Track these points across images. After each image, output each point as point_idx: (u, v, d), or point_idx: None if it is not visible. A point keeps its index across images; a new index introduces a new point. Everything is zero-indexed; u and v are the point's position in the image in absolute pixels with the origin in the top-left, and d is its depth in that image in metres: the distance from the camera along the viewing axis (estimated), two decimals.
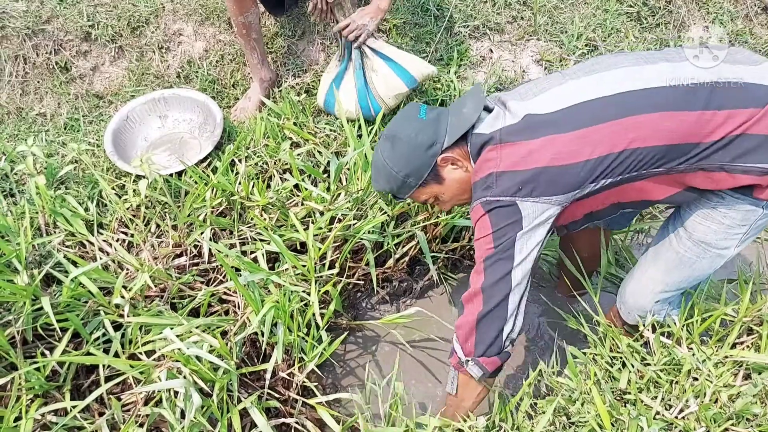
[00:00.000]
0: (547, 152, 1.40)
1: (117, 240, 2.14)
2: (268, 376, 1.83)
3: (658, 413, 1.48)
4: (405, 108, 1.65)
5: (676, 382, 1.53)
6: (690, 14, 3.13)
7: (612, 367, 1.62)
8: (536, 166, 1.40)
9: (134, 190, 2.20)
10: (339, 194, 2.20)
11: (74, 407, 1.74)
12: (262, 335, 1.86)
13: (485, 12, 2.94)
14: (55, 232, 2.11)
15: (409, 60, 2.36)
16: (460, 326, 1.54)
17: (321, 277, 2.06)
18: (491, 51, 2.88)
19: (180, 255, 2.15)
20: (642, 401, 1.50)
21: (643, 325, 1.70)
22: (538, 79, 1.60)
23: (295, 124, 2.48)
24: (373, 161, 1.69)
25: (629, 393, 1.54)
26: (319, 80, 2.65)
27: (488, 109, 1.57)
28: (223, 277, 2.13)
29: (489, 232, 1.46)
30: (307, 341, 1.88)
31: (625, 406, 1.54)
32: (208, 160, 2.35)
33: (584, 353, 1.71)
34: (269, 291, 1.97)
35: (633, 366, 1.57)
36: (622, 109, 1.38)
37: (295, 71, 2.69)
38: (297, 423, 1.87)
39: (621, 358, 1.66)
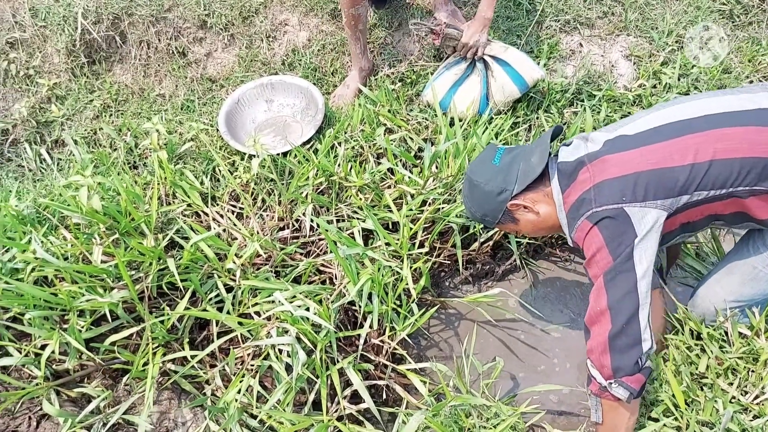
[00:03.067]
0: (640, 159, 1.46)
1: (227, 211, 2.36)
2: (361, 341, 2.01)
3: (734, 398, 1.57)
4: (484, 150, 1.79)
5: (753, 371, 1.61)
6: None
7: (691, 352, 1.71)
8: (634, 171, 1.45)
9: (245, 167, 2.41)
10: (429, 179, 2.35)
11: (194, 357, 1.97)
12: (357, 305, 2.04)
13: (576, 7, 3.00)
14: (173, 202, 2.35)
15: (522, 63, 2.51)
16: (591, 350, 1.51)
17: (411, 255, 2.22)
18: (581, 45, 2.95)
19: (282, 228, 2.35)
20: (719, 386, 1.59)
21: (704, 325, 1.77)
22: (618, 120, 1.69)
23: (389, 111, 2.64)
24: (461, 193, 1.84)
25: (707, 377, 1.63)
26: (413, 71, 2.79)
27: (567, 144, 1.69)
28: (320, 250, 2.31)
29: (602, 245, 1.46)
30: (399, 312, 2.04)
31: (702, 389, 1.63)
32: (311, 143, 2.54)
33: (665, 338, 1.80)
34: (364, 265, 2.14)
35: (712, 352, 1.65)
36: (708, 124, 1.46)
37: (391, 61, 2.84)
38: (387, 386, 2.04)
39: (700, 345, 1.74)
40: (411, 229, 2.17)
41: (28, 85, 2.68)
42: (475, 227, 2.34)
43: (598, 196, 1.47)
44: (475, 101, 2.54)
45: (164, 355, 2.00)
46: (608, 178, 1.47)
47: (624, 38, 2.99)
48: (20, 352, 1.92)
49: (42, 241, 2.04)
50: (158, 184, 2.29)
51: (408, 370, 1.96)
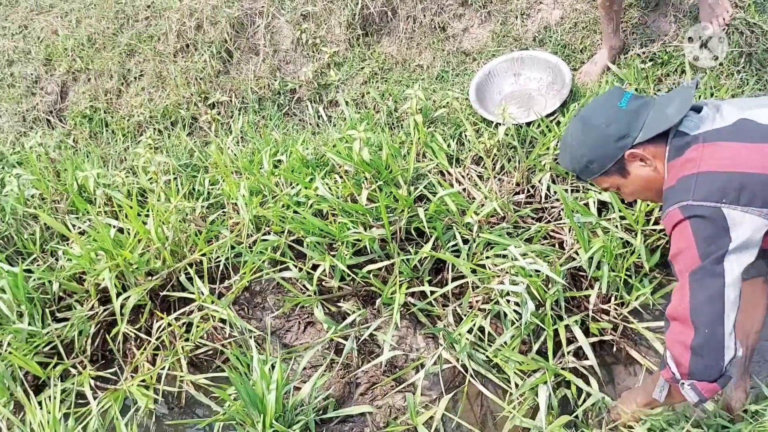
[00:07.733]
0: (756, 158, 1.35)
1: (469, 173, 2.60)
2: (592, 300, 2.12)
3: None
4: (609, 91, 1.62)
5: None
6: None
7: None
8: (744, 170, 1.34)
9: (490, 133, 2.63)
10: None
11: (432, 293, 2.25)
12: (584, 271, 2.15)
13: None
14: (423, 160, 2.65)
15: None
16: (671, 345, 1.42)
17: (645, 230, 2.26)
18: None
19: (518, 193, 2.53)
20: None
21: None
22: (760, 96, 1.55)
23: (636, 90, 2.66)
24: (563, 137, 1.70)
25: None
26: (666, 51, 2.76)
27: (697, 110, 1.53)
28: (551, 217, 2.45)
29: (691, 243, 1.36)
30: (628, 283, 2.12)
31: None
32: (554, 116, 2.67)
33: None
34: (595, 234, 2.23)
35: None
36: None
37: (643, 41, 2.83)
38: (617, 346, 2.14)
39: None
40: (648, 204, 2.22)
41: (314, 52, 3.16)
42: None
43: (698, 188, 1.37)
44: None
45: (407, 288, 2.31)
46: (714, 171, 1.37)
47: None
48: (296, 268, 2.36)
49: (321, 182, 2.46)
50: (413, 143, 2.60)
51: (645, 328, 2.04)
